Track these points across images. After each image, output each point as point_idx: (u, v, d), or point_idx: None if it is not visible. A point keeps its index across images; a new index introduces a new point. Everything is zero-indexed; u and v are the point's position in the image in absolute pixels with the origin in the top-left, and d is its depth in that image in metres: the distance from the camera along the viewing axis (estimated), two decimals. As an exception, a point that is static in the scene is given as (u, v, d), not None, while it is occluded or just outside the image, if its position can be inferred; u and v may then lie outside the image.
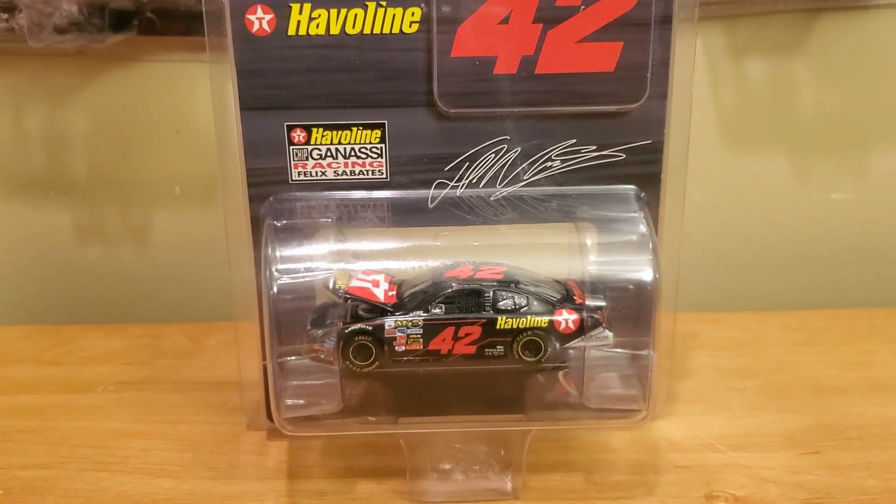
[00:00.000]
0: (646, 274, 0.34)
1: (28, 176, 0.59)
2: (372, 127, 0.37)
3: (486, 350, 0.35)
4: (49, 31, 0.55)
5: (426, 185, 0.37)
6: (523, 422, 0.36)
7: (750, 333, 0.54)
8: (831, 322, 0.56)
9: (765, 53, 0.58)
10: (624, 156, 0.37)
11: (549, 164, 0.37)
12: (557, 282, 0.36)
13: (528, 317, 0.35)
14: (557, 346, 0.34)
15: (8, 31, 0.55)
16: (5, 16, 0.55)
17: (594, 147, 0.37)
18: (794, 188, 0.60)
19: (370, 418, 0.36)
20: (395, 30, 0.36)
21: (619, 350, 0.35)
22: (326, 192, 0.37)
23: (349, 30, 0.36)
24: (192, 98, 0.58)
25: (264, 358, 0.37)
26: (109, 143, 0.59)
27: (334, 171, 0.37)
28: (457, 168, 0.37)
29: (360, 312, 0.35)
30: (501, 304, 0.35)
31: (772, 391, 0.47)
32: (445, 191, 0.37)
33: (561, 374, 0.37)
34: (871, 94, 0.58)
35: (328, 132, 0.37)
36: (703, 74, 0.57)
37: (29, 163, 0.59)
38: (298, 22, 0.36)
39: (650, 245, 0.35)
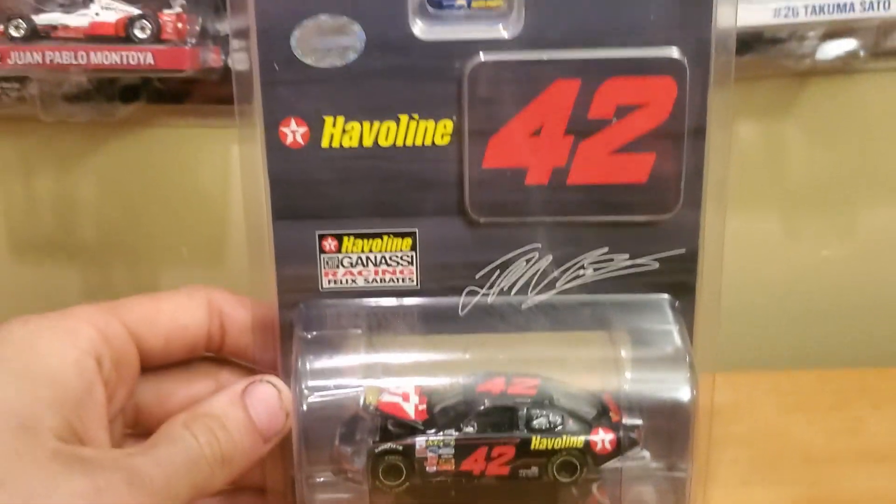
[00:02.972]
0: (683, 393, 0.34)
1: (38, 238, 0.61)
2: (403, 235, 0.37)
3: (521, 471, 0.35)
4: (59, 100, 0.55)
5: (457, 292, 0.38)
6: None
7: (742, 397, 0.55)
8: (822, 385, 0.57)
9: (756, 116, 0.60)
10: (658, 265, 0.38)
11: (581, 272, 0.38)
12: (592, 394, 0.36)
13: (564, 436, 0.35)
14: (593, 465, 0.34)
15: (20, 101, 0.55)
16: (17, 85, 0.56)
17: (627, 256, 0.37)
18: (784, 245, 0.62)
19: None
20: (428, 142, 0.36)
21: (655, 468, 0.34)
22: (357, 300, 0.37)
23: (382, 142, 0.36)
24: (199, 162, 0.59)
25: (290, 467, 0.36)
26: (118, 206, 0.60)
27: (365, 279, 0.37)
28: (488, 275, 0.38)
29: (391, 428, 0.36)
30: (535, 423, 0.35)
31: (764, 462, 0.48)
32: (476, 298, 0.37)
33: (595, 485, 0.37)
34: (859, 155, 0.61)
35: (359, 241, 0.37)
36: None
37: (39, 225, 0.60)
38: (332, 135, 0.36)
39: (686, 361, 0.35)
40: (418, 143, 0.36)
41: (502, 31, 0.36)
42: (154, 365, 0.38)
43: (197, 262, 0.60)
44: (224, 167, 0.59)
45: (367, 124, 0.36)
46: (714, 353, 0.38)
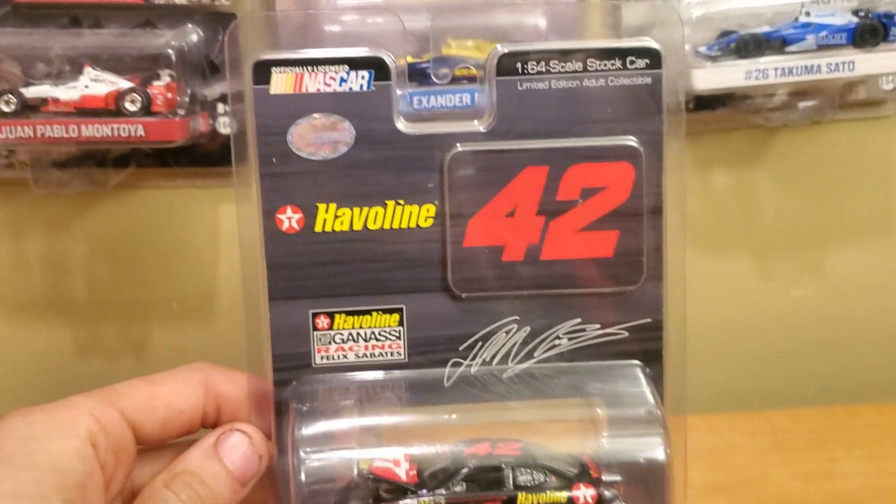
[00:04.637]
0: (658, 452, 0.39)
1: (28, 297, 0.64)
2: (391, 311, 0.41)
3: (509, 528, 0.39)
4: (49, 167, 0.58)
5: (442, 364, 0.42)
6: None
7: (720, 441, 0.60)
8: (795, 425, 0.62)
9: (728, 166, 0.65)
10: (627, 334, 0.42)
11: (556, 342, 0.42)
12: (572, 455, 0.41)
13: (548, 492, 0.39)
14: None
15: (9, 167, 0.58)
16: (5, 153, 0.58)
17: (598, 325, 0.42)
18: (756, 287, 0.67)
19: None
20: (413, 224, 0.41)
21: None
22: (348, 374, 0.41)
23: (370, 225, 0.41)
24: (188, 221, 0.63)
25: None
26: (108, 265, 0.63)
27: (355, 354, 0.42)
28: (471, 347, 0.42)
29: (382, 494, 0.40)
30: (521, 480, 0.39)
31: (744, 511, 0.53)
32: (461, 369, 0.42)
33: None
34: (826, 200, 0.66)
35: (350, 318, 0.41)
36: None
37: (29, 285, 0.64)
38: (325, 220, 0.41)
39: (660, 420, 0.39)
40: (404, 225, 0.41)
41: (477, 125, 0.41)
42: (150, 445, 0.42)
43: (187, 317, 0.64)
44: (213, 225, 0.63)
45: (356, 210, 0.41)
46: (684, 411, 0.43)
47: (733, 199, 0.65)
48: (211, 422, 0.43)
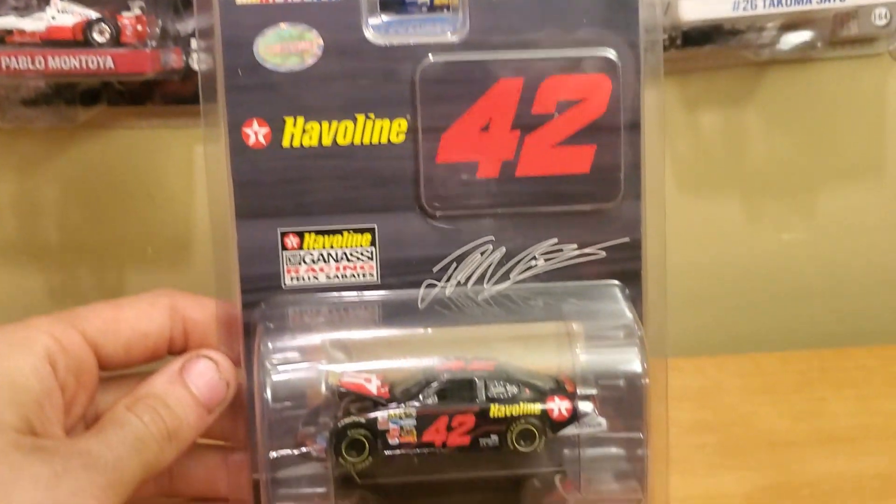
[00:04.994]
0: (635, 365, 0.38)
1: (0, 242, 0.62)
2: (362, 231, 0.40)
3: (481, 440, 0.38)
4: (17, 105, 0.57)
5: (416, 285, 0.41)
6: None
7: (708, 382, 0.60)
8: (784, 367, 0.62)
9: (716, 105, 0.64)
10: (604, 254, 0.41)
11: (533, 262, 0.41)
12: (548, 375, 0.40)
13: (521, 404, 0.38)
14: (551, 433, 0.38)
15: None
16: None
17: (575, 245, 0.41)
18: (745, 230, 0.67)
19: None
20: (384, 140, 0.40)
21: (611, 436, 0.38)
22: (318, 295, 0.40)
23: (340, 141, 0.40)
24: (162, 163, 0.62)
25: (253, 472, 0.40)
26: (80, 208, 0.63)
27: (326, 275, 0.41)
28: (445, 268, 0.41)
29: (353, 411, 0.39)
30: (494, 393, 0.38)
31: (730, 447, 0.53)
32: (435, 291, 0.41)
33: (557, 478, 0.40)
34: (817, 140, 0.66)
35: (320, 237, 0.41)
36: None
37: (1, 229, 0.62)
38: (292, 134, 0.40)
39: (637, 334, 0.39)
40: (375, 141, 0.40)
41: (449, 36, 0.40)
42: (115, 369, 0.41)
43: (162, 263, 0.63)
44: (187, 167, 0.62)
45: (325, 124, 0.40)
46: (664, 336, 0.42)
47: (721, 140, 0.64)
48: (178, 348, 0.42)
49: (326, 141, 0.40)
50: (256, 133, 0.40)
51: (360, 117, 0.40)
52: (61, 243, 0.63)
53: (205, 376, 0.40)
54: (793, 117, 0.64)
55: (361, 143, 0.40)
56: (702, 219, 0.65)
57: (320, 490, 0.38)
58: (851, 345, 0.65)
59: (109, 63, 0.53)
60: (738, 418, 0.55)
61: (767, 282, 0.67)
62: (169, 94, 0.59)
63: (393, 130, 0.40)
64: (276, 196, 0.40)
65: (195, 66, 0.57)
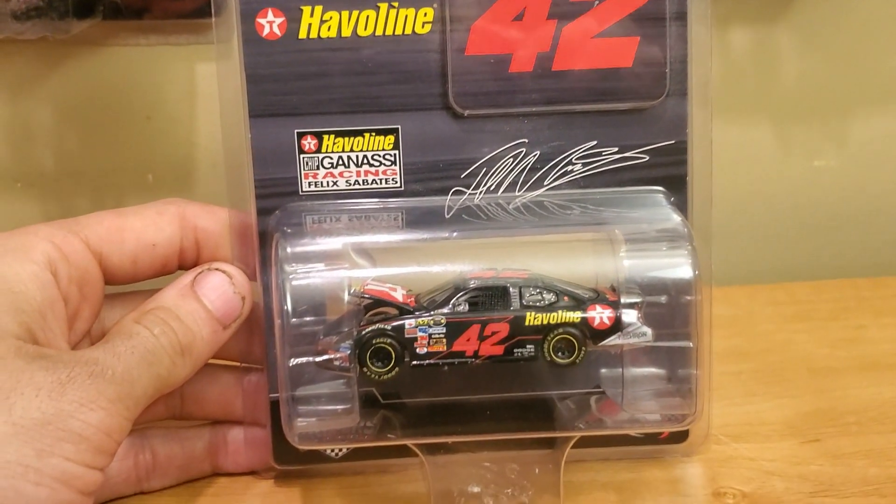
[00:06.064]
0: (684, 270, 0.36)
1: None
2: (385, 133, 0.38)
3: (516, 350, 0.36)
4: (6, 17, 0.54)
5: (442, 192, 0.39)
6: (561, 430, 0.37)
7: (739, 310, 0.58)
8: (818, 295, 0.60)
9: (747, 23, 0.62)
10: (647, 157, 0.39)
11: (569, 167, 0.39)
12: (588, 287, 0.38)
13: (560, 311, 0.36)
14: (592, 343, 0.36)
15: None
16: None
17: (616, 149, 0.39)
18: (776, 156, 0.64)
19: (389, 435, 0.37)
20: (408, 30, 0.38)
21: (657, 347, 0.36)
22: (338, 202, 0.38)
23: (361, 32, 0.37)
24: (162, 83, 0.60)
25: (270, 392, 0.38)
26: (77, 132, 0.60)
27: (346, 181, 0.39)
28: (474, 174, 0.39)
29: (376, 320, 0.36)
30: (529, 300, 0.36)
31: (767, 374, 0.51)
32: (463, 198, 0.39)
33: (593, 399, 0.38)
34: (852, 62, 0.63)
35: (340, 139, 0.38)
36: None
37: None
38: (310, 25, 0.37)
39: (686, 236, 0.37)
40: (398, 32, 0.37)
41: (483, -88, 0.37)
42: (122, 283, 0.39)
43: (163, 189, 0.60)
44: (189, 87, 0.59)
45: (345, 13, 0.37)
46: (710, 242, 0.40)
47: (752, 61, 0.61)
48: (190, 261, 0.40)
49: (346, 32, 0.37)
50: (271, 23, 0.37)
51: (383, 6, 0.37)
52: (57, 170, 0.60)
53: (218, 290, 0.37)
54: (827, 37, 0.61)
55: (384, 34, 0.37)
56: (730, 145, 0.63)
57: (343, 406, 0.36)
58: (887, 273, 0.63)
59: (105, -33, 0.50)
60: (773, 346, 0.54)
61: (798, 211, 0.65)
62: (169, 9, 0.57)
63: (418, 20, 0.37)
64: (293, 93, 0.38)
65: (197, -23, 0.54)
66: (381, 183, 0.39)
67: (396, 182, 0.39)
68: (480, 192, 0.39)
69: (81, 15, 0.56)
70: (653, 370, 0.37)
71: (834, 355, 0.52)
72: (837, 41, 0.62)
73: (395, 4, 0.37)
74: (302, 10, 0.37)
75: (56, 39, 0.55)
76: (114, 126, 0.59)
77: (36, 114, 0.59)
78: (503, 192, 0.39)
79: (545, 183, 0.39)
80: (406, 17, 0.37)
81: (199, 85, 0.59)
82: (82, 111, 0.59)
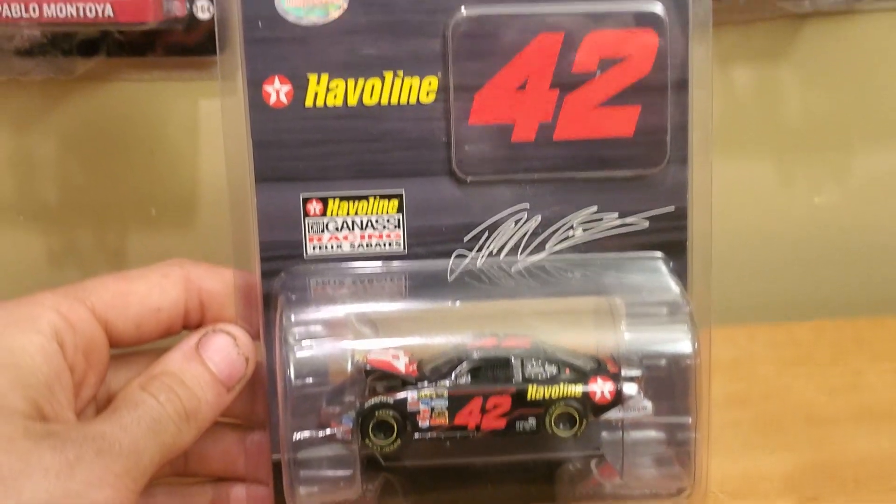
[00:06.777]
0: (684, 345, 0.37)
1: None
2: (389, 197, 0.39)
3: (518, 423, 0.37)
4: (11, 55, 0.55)
5: (445, 255, 0.40)
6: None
7: (740, 352, 0.59)
8: (818, 336, 0.60)
9: (750, 60, 0.62)
10: (648, 224, 0.40)
11: (570, 232, 0.40)
12: (588, 354, 0.39)
13: (561, 385, 0.37)
14: (593, 416, 0.36)
15: None
16: None
17: (616, 214, 0.40)
18: (777, 192, 0.65)
19: (390, 500, 0.38)
20: (413, 100, 0.38)
21: (657, 420, 0.37)
22: (342, 266, 0.39)
23: (367, 100, 0.38)
24: (165, 118, 0.60)
25: (273, 452, 0.39)
26: (80, 165, 0.61)
27: (351, 244, 0.39)
28: (476, 238, 0.39)
29: (379, 390, 0.37)
30: (531, 373, 0.37)
31: (765, 424, 0.51)
32: (465, 262, 0.39)
33: (593, 462, 0.39)
34: (854, 98, 0.64)
35: (345, 203, 0.39)
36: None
37: None
38: (316, 93, 0.38)
39: (686, 311, 0.37)
40: (403, 101, 0.38)
41: (486, -15, 0.38)
42: (126, 346, 0.40)
43: (166, 224, 0.61)
44: (192, 122, 0.60)
45: (351, 82, 0.38)
46: (709, 310, 0.41)
47: (755, 97, 0.62)
48: (194, 322, 0.40)
49: (352, 100, 0.38)
50: (278, 91, 0.38)
51: (388, 75, 0.38)
52: (60, 203, 0.61)
53: (223, 352, 0.38)
54: (830, 73, 0.62)
55: (389, 102, 0.38)
56: (731, 180, 0.64)
57: (345, 472, 0.37)
58: (887, 313, 0.63)
59: (108, 11, 0.51)
60: (773, 391, 0.54)
61: (798, 247, 0.65)
62: (172, 45, 0.57)
63: (423, 89, 0.38)
64: (299, 159, 0.38)
65: (199, 15, 0.55)
66: (384, 246, 0.40)
67: (400, 245, 0.40)
68: (483, 256, 0.40)
69: (86, 53, 0.57)
70: (652, 434, 0.38)
71: (832, 403, 0.53)
72: (839, 78, 0.62)
73: (401, 73, 0.38)
74: (308, 79, 0.38)
75: (60, 79, 0.56)
76: (117, 160, 0.60)
77: (39, 147, 0.60)
78: (505, 255, 0.40)
79: (546, 247, 0.40)
80: (411, 85, 0.38)
81: (203, 120, 0.60)
82: (86, 145, 0.60)
